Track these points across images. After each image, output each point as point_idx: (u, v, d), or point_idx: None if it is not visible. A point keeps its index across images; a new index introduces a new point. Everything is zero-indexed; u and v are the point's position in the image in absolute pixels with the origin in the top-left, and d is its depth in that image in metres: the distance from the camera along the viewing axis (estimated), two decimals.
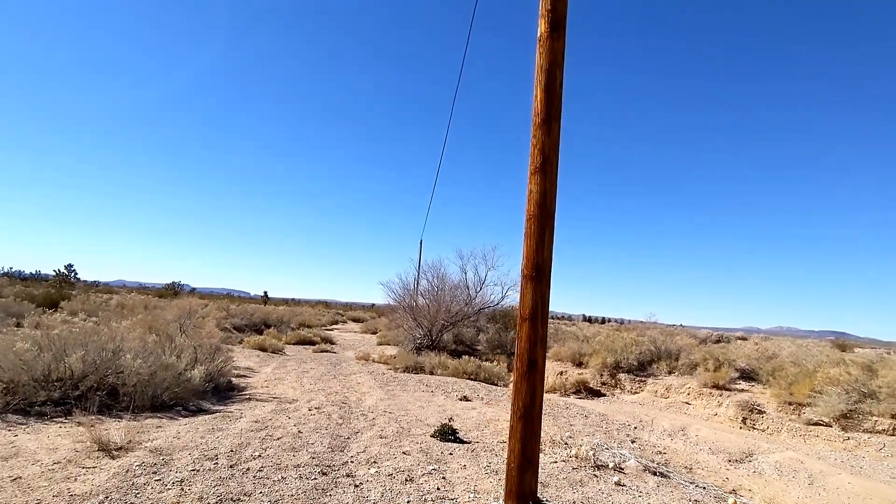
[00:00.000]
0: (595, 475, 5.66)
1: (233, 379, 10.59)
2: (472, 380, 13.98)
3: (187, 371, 8.01)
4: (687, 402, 13.19)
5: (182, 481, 4.45)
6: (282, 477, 4.75)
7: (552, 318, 23.75)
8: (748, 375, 13.73)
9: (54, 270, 40.21)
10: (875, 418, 10.74)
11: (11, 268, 44.57)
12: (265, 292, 58.80)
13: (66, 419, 6.39)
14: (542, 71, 4.87)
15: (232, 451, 5.45)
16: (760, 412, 11.35)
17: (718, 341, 25.56)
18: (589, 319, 53.14)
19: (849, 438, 10.56)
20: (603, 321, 53.17)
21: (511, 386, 14.54)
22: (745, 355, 14.51)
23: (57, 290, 24.82)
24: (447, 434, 6.75)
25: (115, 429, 5.88)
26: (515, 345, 4.93)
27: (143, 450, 5.28)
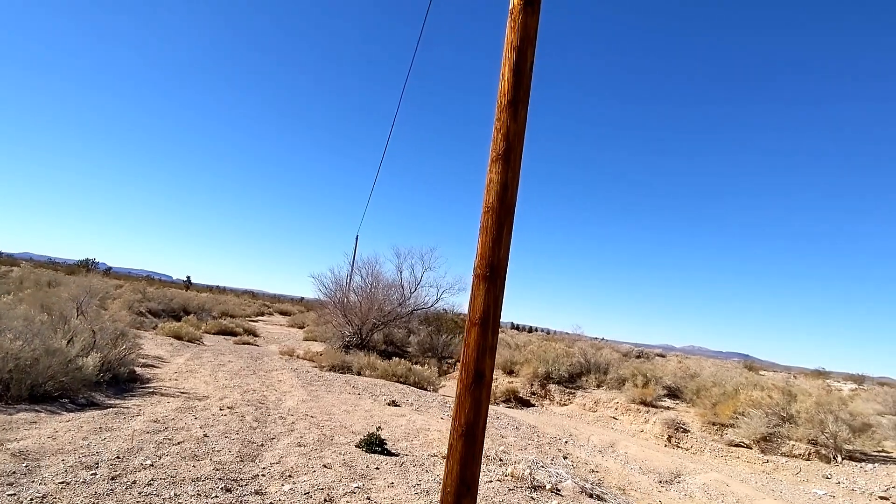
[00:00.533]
0: (532, 498, 5.16)
1: (137, 369, 9.49)
2: (401, 383, 13.33)
3: (79, 358, 6.95)
4: (614, 417, 13.07)
5: (43, 498, 3.58)
6: (174, 494, 3.94)
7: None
8: (673, 393, 13.80)
9: None
10: (793, 442, 10.89)
11: None
12: (188, 277, 55.87)
13: None
14: (511, 48, 4.32)
15: (118, 457, 4.57)
16: (685, 431, 11.32)
17: (639, 357, 26.10)
18: (517, 328, 53.49)
19: (768, 461, 10.65)
20: (530, 330, 53.65)
21: (441, 392, 13.96)
22: (671, 373, 14.61)
23: None
24: (374, 445, 6.08)
25: None
26: (462, 351, 4.36)
27: (3, 452, 4.34)
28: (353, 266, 31.51)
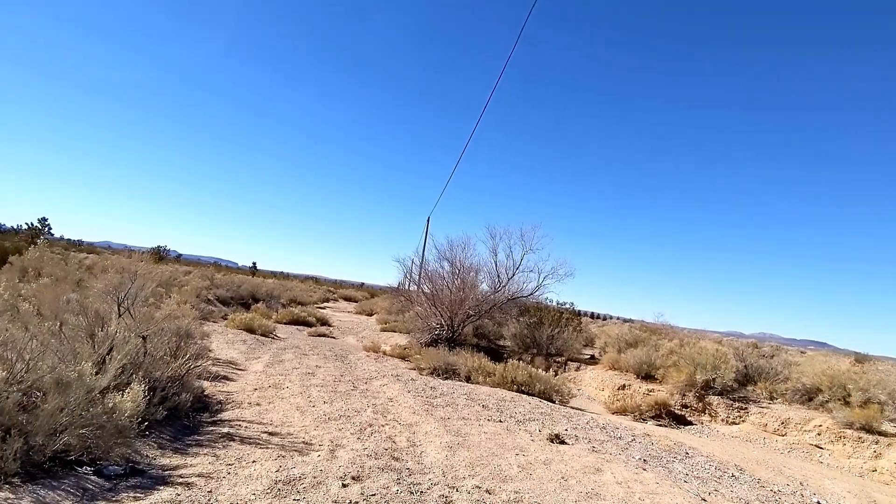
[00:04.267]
0: None
1: (206, 384, 6.71)
2: (525, 393, 10.24)
3: (112, 394, 4.09)
4: (818, 447, 9.55)
5: None
6: None
7: (566, 311, 20.02)
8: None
9: (26, 223, 35.64)
10: None
11: None
12: (254, 263, 54.51)
13: None
14: None
15: None
16: None
17: (770, 355, 22.12)
18: (593, 316, 49.65)
19: None
20: (604, 318, 49.64)
21: (572, 404, 10.75)
22: (869, 381, 10.87)
23: (12, 243, 20.53)
24: None
25: None
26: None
27: None
28: (423, 251, 28.59)
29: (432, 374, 11.24)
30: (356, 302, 43.36)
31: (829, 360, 14.04)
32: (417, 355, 13.20)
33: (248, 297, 25.82)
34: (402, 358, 13.55)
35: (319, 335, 18.21)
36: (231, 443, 4.73)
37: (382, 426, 5.91)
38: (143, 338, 5.51)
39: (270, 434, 5.14)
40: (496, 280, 17.44)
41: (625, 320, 46.88)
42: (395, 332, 20.80)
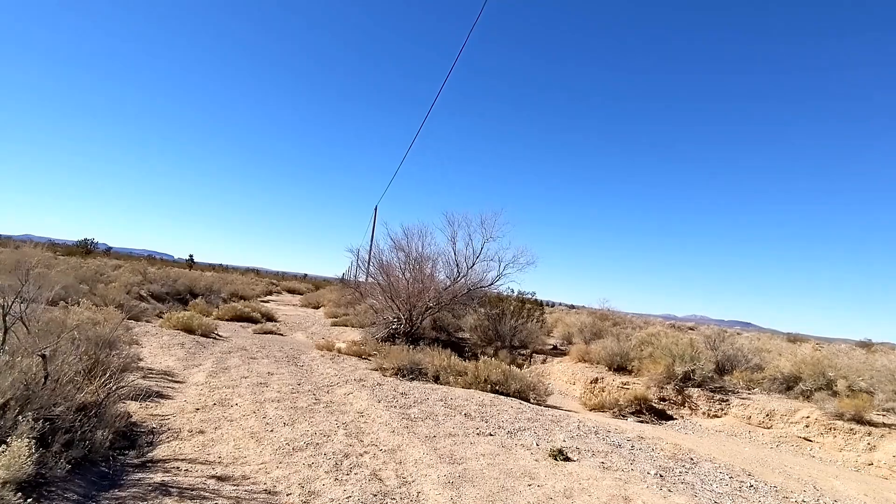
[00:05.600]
0: None
1: (134, 410, 5.30)
2: (501, 393, 9.28)
3: None
4: (807, 439, 9.04)
5: None
6: None
7: (528, 301, 19.26)
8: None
9: None
10: None
11: None
12: (190, 256, 51.31)
13: None
14: None
15: None
16: None
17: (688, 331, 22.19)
18: (541, 304, 49.38)
19: None
20: (551, 305, 49.59)
21: (550, 402, 9.87)
22: (848, 367, 10.54)
23: None
24: None
25: None
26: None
27: None
28: (371, 242, 27.20)
29: (397, 374, 10.08)
30: (301, 294, 41.45)
31: (796, 346, 13.81)
32: (377, 353, 12.02)
33: (185, 292, 23.77)
34: (360, 356, 12.32)
35: (266, 332, 16.67)
36: (166, 499, 3.44)
37: (361, 456, 4.71)
38: (44, 357, 4.10)
39: (220, 479, 3.86)
40: (455, 270, 16.37)
41: (570, 307, 46.98)
42: (347, 326, 19.45)
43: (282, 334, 17.21)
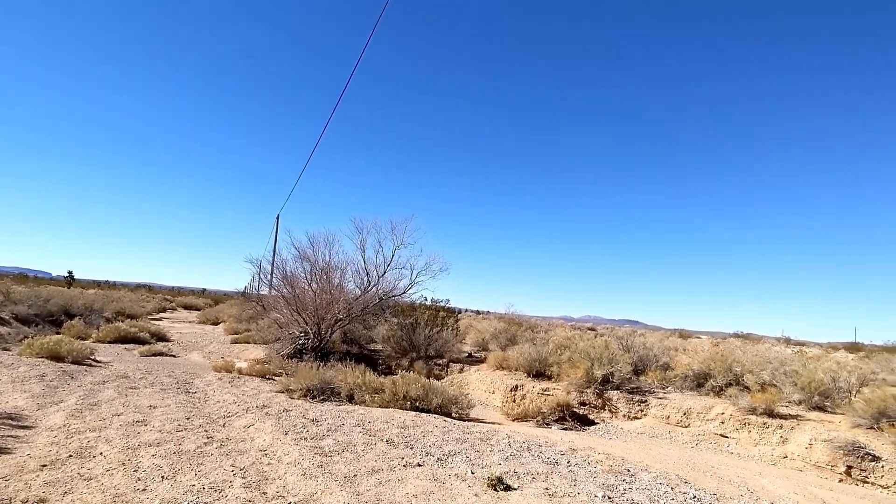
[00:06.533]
0: None
1: None
2: (422, 410, 8.55)
3: None
4: (723, 436, 9.02)
5: None
6: None
7: (442, 309, 18.81)
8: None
9: None
10: None
11: None
12: (70, 273, 46.08)
13: None
14: None
15: None
16: (872, 457, 7.45)
17: (583, 332, 22.74)
18: (437, 309, 49.04)
19: None
20: (458, 311, 49.42)
21: (473, 416, 9.26)
22: (753, 362, 10.82)
23: None
24: None
25: None
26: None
27: None
28: (275, 252, 25.49)
29: (306, 396, 9.03)
30: (199, 310, 38.38)
31: (687, 342, 14.16)
32: (283, 372, 10.87)
33: (59, 313, 20.92)
34: (264, 376, 11.11)
35: (155, 354, 14.81)
36: None
37: None
38: None
39: None
40: (366, 279, 15.42)
41: (476, 312, 47.01)
42: (249, 343, 17.86)
43: (174, 356, 15.42)
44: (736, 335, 36.90)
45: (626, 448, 7.99)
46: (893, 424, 7.70)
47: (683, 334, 36.04)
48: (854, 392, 9.61)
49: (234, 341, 18.62)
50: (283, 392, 9.26)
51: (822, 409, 9.29)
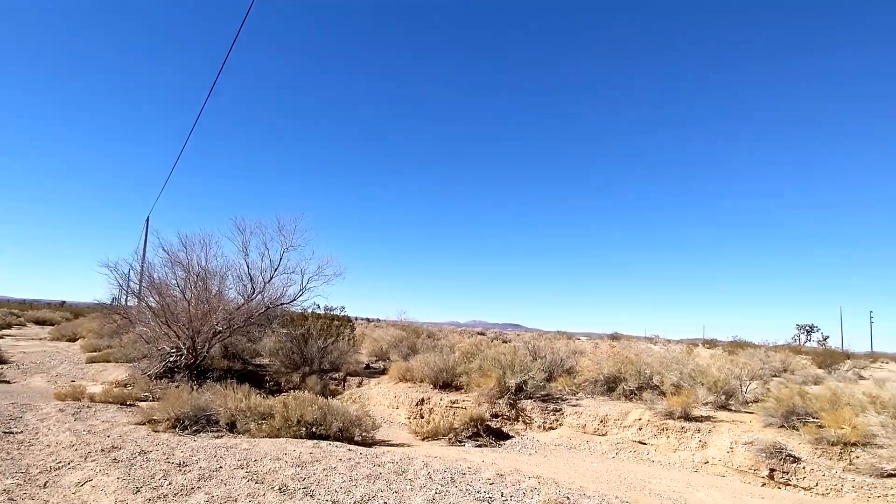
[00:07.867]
0: None
1: None
2: (321, 437, 7.22)
3: None
4: (642, 443, 8.51)
5: None
6: None
7: (337, 317, 17.51)
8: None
9: None
10: None
11: None
12: None
13: None
14: None
15: None
16: (793, 458, 7.20)
17: (504, 341, 22.58)
18: (331, 318, 46.83)
19: None
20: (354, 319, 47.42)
21: (379, 439, 8.00)
22: (660, 364, 10.59)
23: None
24: None
25: None
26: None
27: None
28: (143, 258, 22.50)
29: (175, 427, 7.29)
30: (53, 325, 33.31)
31: (573, 342, 13.95)
32: (149, 395, 8.97)
33: None
34: (124, 403, 9.15)
35: None
36: None
37: None
38: None
39: None
40: (250, 286, 13.57)
41: (368, 320, 45.44)
42: (109, 362, 15.21)
43: (8, 381, 12.63)
44: (612, 336, 38.58)
45: (551, 466, 7.16)
46: (807, 423, 7.55)
47: (567, 336, 37.03)
48: (745, 389, 9.62)
49: (91, 360, 15.82)
50: (144, 424, 7.45)
51: (726, 408, 9.14)
